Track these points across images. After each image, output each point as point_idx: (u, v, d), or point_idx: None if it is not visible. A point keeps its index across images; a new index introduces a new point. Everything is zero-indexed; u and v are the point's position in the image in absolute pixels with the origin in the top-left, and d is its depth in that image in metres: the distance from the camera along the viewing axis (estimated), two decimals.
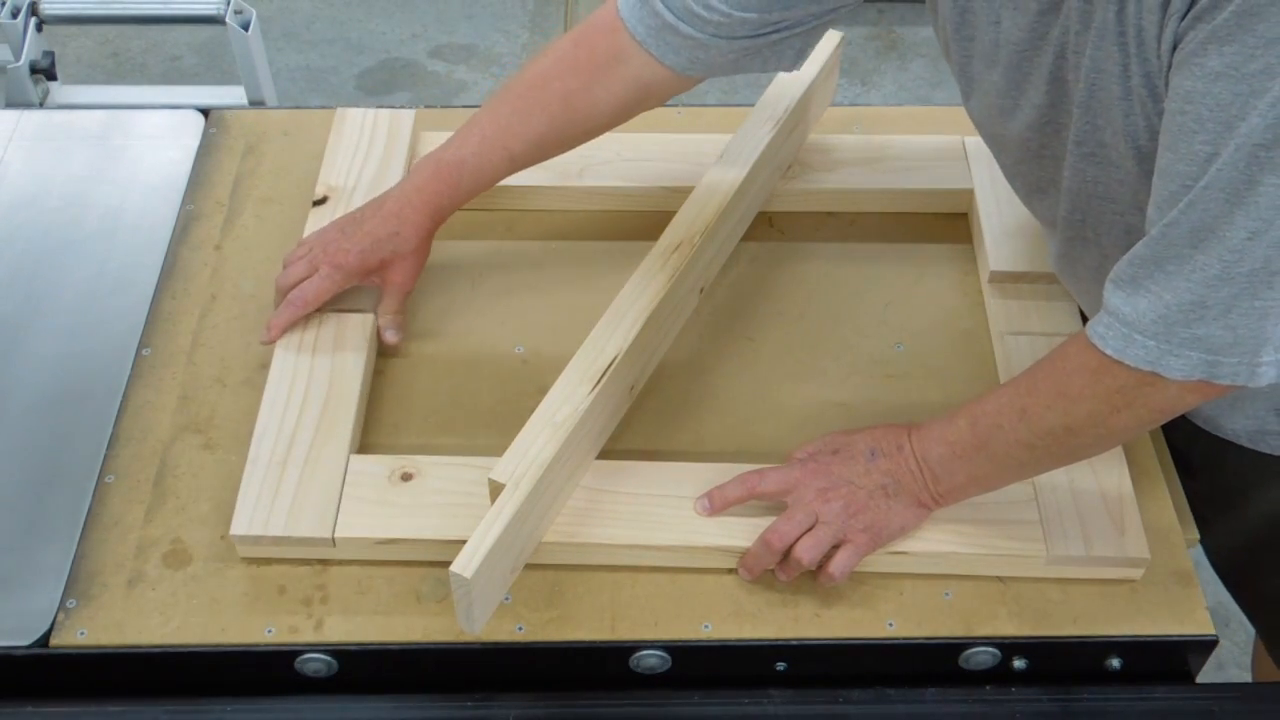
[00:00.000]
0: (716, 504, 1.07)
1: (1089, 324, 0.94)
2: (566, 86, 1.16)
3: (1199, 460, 1.19)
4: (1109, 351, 0.91)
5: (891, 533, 1.05)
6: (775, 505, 1.06)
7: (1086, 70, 0.93)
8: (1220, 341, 0.87)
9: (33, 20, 2.07)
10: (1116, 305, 0.91)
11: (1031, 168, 1.09)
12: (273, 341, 1.19)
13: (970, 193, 1.35)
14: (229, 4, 2.07)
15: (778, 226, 1.37)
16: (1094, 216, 1.04)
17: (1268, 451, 1.16)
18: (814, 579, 1.05)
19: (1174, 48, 0.84)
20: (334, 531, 1.06)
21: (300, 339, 1.19)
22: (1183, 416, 1.18)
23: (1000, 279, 1.27)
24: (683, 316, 1.24)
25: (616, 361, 1.09)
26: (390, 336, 1.21)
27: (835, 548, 1.04)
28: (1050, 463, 1.03)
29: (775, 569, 1.06)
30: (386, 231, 1.18)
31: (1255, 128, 0.79)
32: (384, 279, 1.21)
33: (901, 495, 1.04)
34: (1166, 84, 0.86)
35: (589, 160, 1.36)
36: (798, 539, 1.03)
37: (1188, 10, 0.82)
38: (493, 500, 1.01)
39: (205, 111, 1.47)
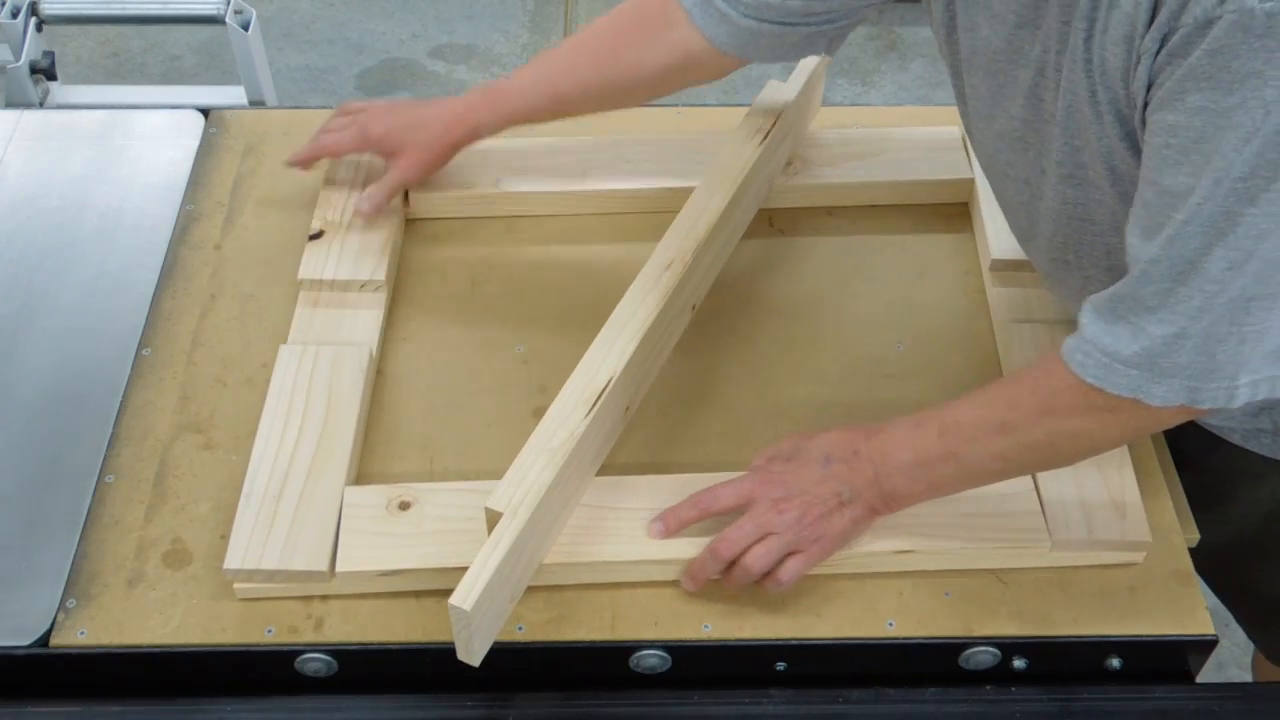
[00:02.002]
0: (671, 526, 1.05)
1: (1065, 348, 0.94)
2: (616, 40, 1.22)
3: (1189, 452, 1.19)
4: (1088, 379, 0.91)
5: (843, 541, 1.04)
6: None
7: (1064, 91, 0.94)
8: (1200, 369, 0.88)
9: (33, 20, 2.07)
10: (1096, 334, 0.91)
11: (1007, 187, 1.10)
12: (293, 164, 1.30)
13: (970, 182, 1.36)
14: (229, 4, 2.07)
15: (777, 226, 1.37)
16: (1075, 239, 1.04)
17: (1258, 451, 1.16)
18: (758, 585, 1.04)
19: (1149, 85, 0.85)
20: (333, 565, 1.04)
21: (296, 371, 1.17)
22: None
23: (1001, 267, 1.28)
24: (676, 334, 1.23)
25: (611, 384, 1.08)
26: (363, 204, 1.26)
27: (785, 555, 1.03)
28: (1020, 473, 1.03)
29: (721, 577, 1.04)
30: (420, 121, 1.26)
31: (1233, 161, 0.80)
32: (396, 160, 1.27)
33: (855, 502, 1.03)
34: (1143, 120, 0.88)
35: (590, 163, 1.36)
36: (747, 549, 1.02)
37: (1159, 49, 0.83)
38: (490, 529, 0.99)
39: (205, 111, 1.47)
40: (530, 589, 1.05)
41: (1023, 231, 1.14)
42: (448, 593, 0.95)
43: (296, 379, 1.17)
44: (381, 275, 1.25)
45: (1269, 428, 1.14)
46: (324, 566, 1.04)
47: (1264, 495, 1.20)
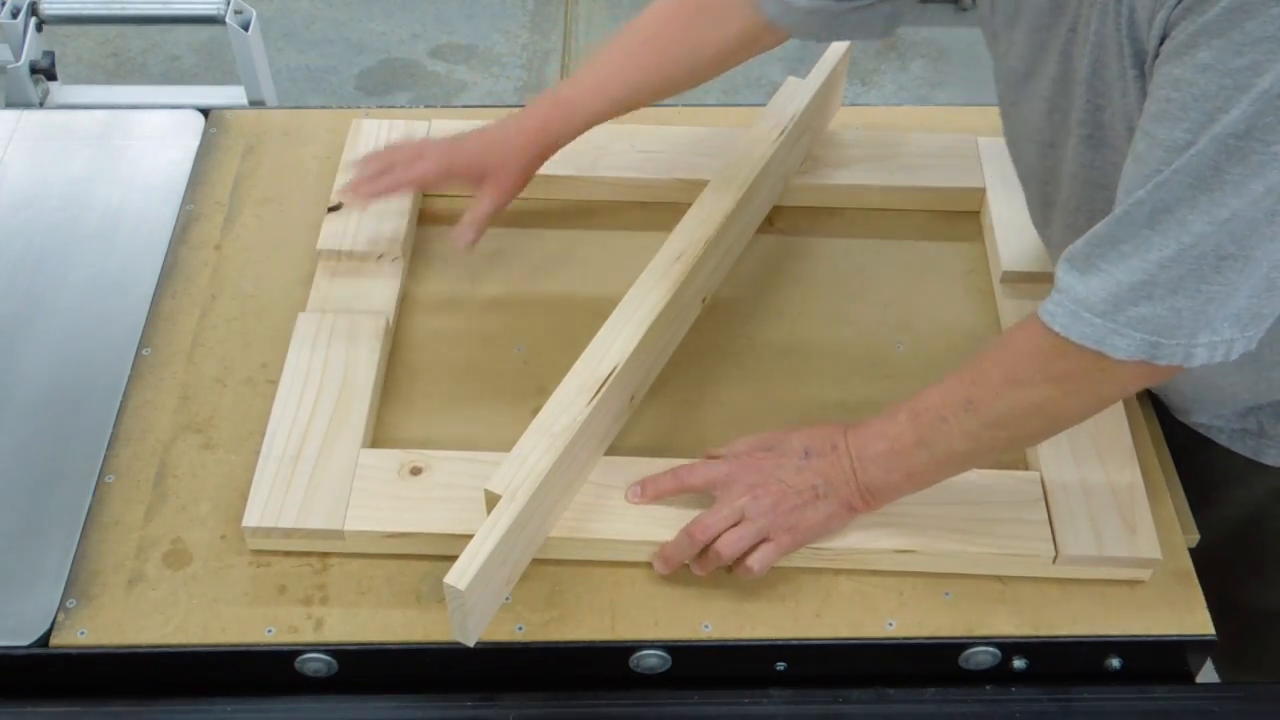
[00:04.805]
0: (648, 493, 1.07)
1: (1041, 304, 0.94)
2: (676, 30, 1.22)
3: (1175, 454, 1.19)
4: (1056, 327, 0.91)
5: (815, 534, 1.04)
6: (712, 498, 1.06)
7: (1091, 45, 0.94)
8: (1163, 323, 0.88)
9: (33, 20, 2.07)
10: (1069, 284, 0.91)
11: (1030, 152, 1.09)
12: (354, 200, 1.25)
13: (981, 191, 1.35)
14: (229, 4, 2.07)
15: (779, 226, 1.37)
16: (1087, 205, 1.04)
17: (1244, 453, 1.16)
18: (730, 572, 1.05)
19: (1163, 37, 0.85)
20: (343, 524, 1.06)
21: (314, 337, 1.19)
22: (1162, 407, 1.19)
23: (1012, 279, 1.27)
24: (684, 326, 1.24)
25: (616, 372, 1.08)
26: (468, 234, 1.22)
27: (757, 543, 1.03)
28: (989, 456, 1.03)
29: (692, 563, 1.05)
30: (501, 142, 1.23)
31: (1233, 119, 0.80)
32: (483, 186, 1.23)
33: (831, 496, 1.03)
34: (1151, 69, 0.87)
35: (602, 151, 1.36)
36: (721, 534, 1.03)
37: (1179, 1, 0.82)
38: (489, 510, 1.00)
39: (205, 111, 1.47)
40: (530, 583, 1.06)
41: (1040, 205, 1.13)
42: (452, 559, 0.95)
43: (315, 345, 1.19)
44: (399, 247, 1.27)
45: (1255, 429, 1.14)
46: (339, 525, 1.06)
47: (1249, 498, 1.19)
